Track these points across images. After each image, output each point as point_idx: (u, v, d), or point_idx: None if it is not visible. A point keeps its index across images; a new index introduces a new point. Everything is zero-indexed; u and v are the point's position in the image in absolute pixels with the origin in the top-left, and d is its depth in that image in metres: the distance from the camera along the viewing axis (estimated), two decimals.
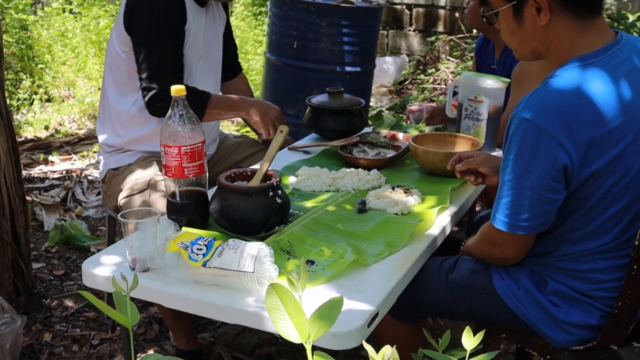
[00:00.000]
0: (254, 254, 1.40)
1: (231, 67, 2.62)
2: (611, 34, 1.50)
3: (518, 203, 1.45)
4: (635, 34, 5.36)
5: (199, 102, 2.20)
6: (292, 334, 0.82)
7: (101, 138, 2.36)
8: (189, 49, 2.27)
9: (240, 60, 2.75)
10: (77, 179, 4.13)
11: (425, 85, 6.21)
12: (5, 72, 4.81)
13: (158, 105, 2.18)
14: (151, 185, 2.15)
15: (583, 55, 1.45)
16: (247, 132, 4.97)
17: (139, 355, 2.40)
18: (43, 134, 5.01)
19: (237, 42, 2.76)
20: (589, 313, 1.52)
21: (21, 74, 5.80)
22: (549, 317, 1.55)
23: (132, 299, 0.93)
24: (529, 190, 1.42)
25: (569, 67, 1.44)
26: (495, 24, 1.58)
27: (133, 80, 2.24)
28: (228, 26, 2.56)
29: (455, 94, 2.47)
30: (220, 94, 2.55)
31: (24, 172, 4.10)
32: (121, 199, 2.19)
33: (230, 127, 5.08)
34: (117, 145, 2.32)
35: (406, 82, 6.48)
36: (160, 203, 2.06)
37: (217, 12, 2.43)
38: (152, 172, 2.20)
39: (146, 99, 2.19)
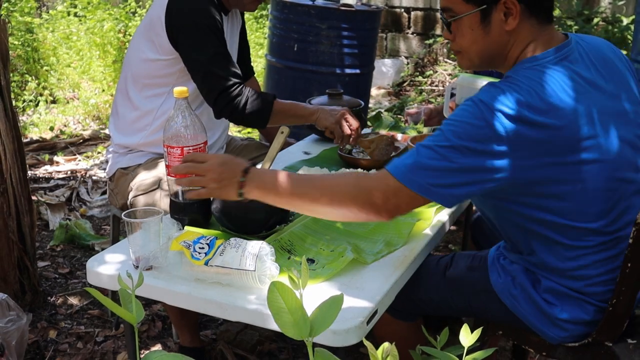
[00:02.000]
0: (255, 252, 1.40)
1: (245, 70, 2.58)
2: (561, 37, 1.50)
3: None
4: (629, 37, 5.37)
5: (263, 104, 2.19)
6: (293, 331, 0.82)
7: (114, 138, 2.35)
8: None
9: None
10: (82, 179, 4.13)
11: (423, 87, 6.21)
12: (11, 74, 4.81)
13: (224, 106, 2.15)
14: (160, 185, 2.15)
15: (533, 57, 1.44)
16: (249, 132, 4.98)
17: (142, 351, 2.40)
18: (48, 135, 5.01)
19: None
20: (583, 309, 1.52)
21: (27, 76, 5.80)
22: (544, 314, 1.55)
23: (136, 296, 0.93)
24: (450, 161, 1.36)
25: (520, 68, 1.43)
26: (452, 31, 1.53)
27: (163, 86, 2.21)
28: (243, 30, 2.55)
29: (452, 95, 2.47)
30: None
31: (29, 173, 4.10)
32: (131, 197, 2.19)
33: (233, 129, 5.08)
34: (130, 146, 2.31)
35: (405, 84, 6.48)
36: (166, 202, 2.06)
37: (236, 17, 2.41)
38: (160, 172, 2.20)
39: (211, 104, 2.17)
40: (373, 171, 2.06)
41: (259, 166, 1.81)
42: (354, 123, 2.24)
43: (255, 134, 4.86)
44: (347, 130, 2.22)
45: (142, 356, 0.90)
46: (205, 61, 2.13)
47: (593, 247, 1.47)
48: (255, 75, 2.69)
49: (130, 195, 2.19)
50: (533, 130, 1.34)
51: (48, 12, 6.50)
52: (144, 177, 2.21)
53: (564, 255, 1.48)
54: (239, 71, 2.21)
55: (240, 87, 2.17)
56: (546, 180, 1.39)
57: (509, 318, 1.62)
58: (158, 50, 2.18)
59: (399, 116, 5.24)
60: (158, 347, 2.48)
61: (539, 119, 1.34)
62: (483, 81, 2.28)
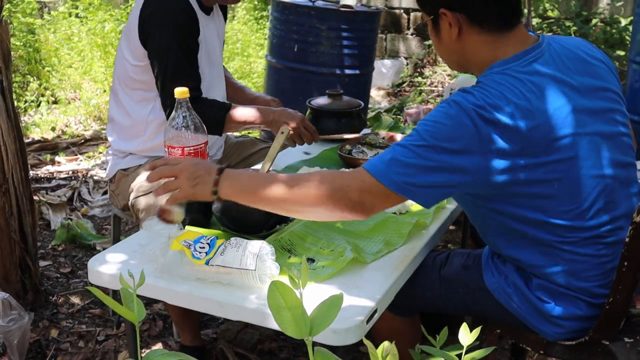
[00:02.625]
0: (255, 252, 1.40)
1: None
2: (532, 39, 1.50)
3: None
4: (627, 37, 5.37)
5: (217, 114, 2.17)
6: (293, 330, 0.82)
7: (113, 143, 2.35)
8: (201, 59, 2.24)
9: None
10: (83, 179, 4.14)
11: (422, 88, 6.21)
12: (13, 75, 4.81)
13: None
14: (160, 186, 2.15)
15: (502, 61, 1.45)
16: (248, 132, 4.97)
17: (143, 350, 2.40)
18: (50, 135, 5.01)
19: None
20: (575, 304, 1.52)
21: (28, 76, 5.80)
22: (538, 312, 1.55)
23: (137, 295, 0.93)
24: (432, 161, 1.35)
25: (490, 72, 1.44)
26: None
27: (147, 91, 2.21)
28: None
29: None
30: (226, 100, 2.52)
31: (31, 173, 4.10)
32: (132, 198, 2.19)
33: None
34: (129, 151, 2.30)
35: (404, 85, 6.48)
36: None
37: (218, 17, 2.40)
38: None
39: (165, 111, 2.16)
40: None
41: (258, 166, 1.81)
42: (310, 127, 2.22)
43: (255, 133, 4.86)
44: (305, 139, 2.22)
45: (143, 355, 0.90)
46: (163, 72, 2.11)
47: (574, 243, 1.47)
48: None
49: (132, 197, 2.19)
50: (505, 133, 1.34)
51: (50, 13, 6.50)
52: (144, 178, 2.21)
53: (546, 252, 1.49)
54: (197, 82, 2.16)
55: (197, 99, 2.11)
56: (522, 181, 1.39)
57: (505, 316, 1.62)
58: (134, 56, 2.19)
59: (398, 116, 5.25)
60: (159, 346, 2.48)
61: (510, 122, 1.34)
62: None
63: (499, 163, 1.36)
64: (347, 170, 1.49)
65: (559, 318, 1.53)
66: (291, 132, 1.81)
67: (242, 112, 2.22)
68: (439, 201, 1.47)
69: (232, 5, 6.48)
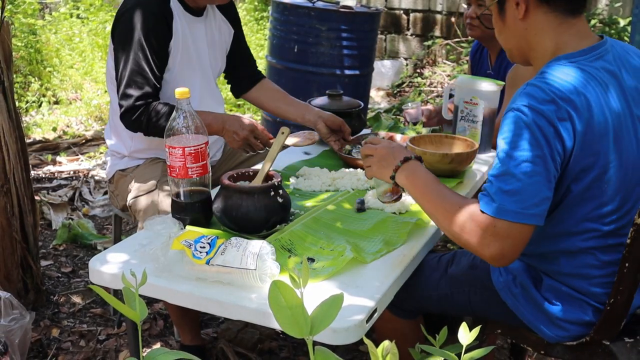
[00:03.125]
0: (256, 251, 1.40)
1: (250, 75, 2.49)
2: (595, 37, 1.51)
3: (524, 189, 1.34)
4: (626, 38, 5.36)
5: (163, 122, 2.05)
6: (294, 330, 0.82)
7: (109, 144, 2.35)
8: (181, 63, 2.19)
9: None
10: (84, 179, 4.13)
11: (422, 88, 6.21)
12: (15, 75, 4.81)
13: (129, 119, 2.08)
14: (159, 186, 2.15)
15: (569, 54, 1.46)
16: None
17: (144, 349, 2.40)
18: (51, 136, 5.01)
19: None
20: (583, 310, 1.52)
21: (30, 77, 5.80)
22: (544, 314, 1.54)
23: (138, 295, 0.92)
24: (530, 176, 1.34)
25: (557, 64, 1.44)
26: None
27: None
28: (238, 35, 2.46)
29: (451, 96, 2.47)
30: (224, 110, 2.46)
31: (32, 173, 4.10)
32: (130, 199, 2.18)
33: None
34: (125, 153, 2.30)
35: (404, 85, 6.48)
36: (166, 203, 2.06)
37: (215, 19, 2.33)
38: (159, 172, 2.20)
39: (120, 112, 2.10)
40: None
41: (259, 166, 1.81)
42: (264, 137, 2.15)
43: None
44: (256, 148, 2.15)
45: (144, 354, 0.90)
46: (120, 75, 2.09)
47: (600, 248, 1.48)
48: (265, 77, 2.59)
49: (130, 197, 2.19)
50: (572, 128, 1.36)
51: (51, 14, 6.50)
52: (142, 179, 2.21)
53: (570, 254, 1.49)
54: (150, 88, 2.09)
55: (144, 107, 2.07)
56: (589, 166, 1.40)
57: (508, 316, 1.62)
58: (112, 56, 2.18)
59: (398, 117, 5.24)
60: (160, 345, 2.48)
61: (574, 114, 1.36)
62: (481, 82, 2.28)
63: (577, 151, 1.38)
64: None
65: (565, 321, 1.53)
66: (283, 133, 1.79)
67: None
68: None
69: None
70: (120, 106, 2.09)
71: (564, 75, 1.39)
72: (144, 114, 2.07)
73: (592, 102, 1.38)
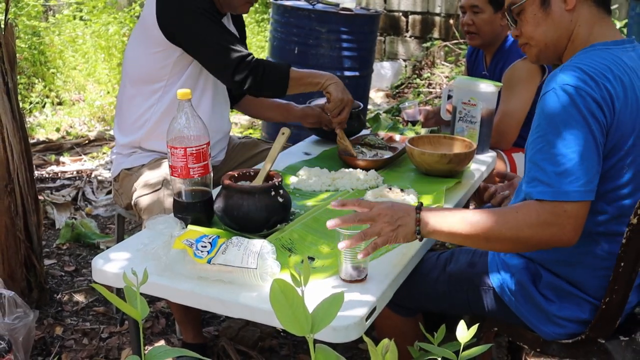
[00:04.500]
0: (256, 250, 1.40)
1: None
2: (619, 33, 1.57)
3: (578, 167, 1.33)
4: None
5: (281, 72, 2.18)
6: (295, 328, 0.82)
7: (120, 140, 2.34)
8: None
9: None
10: (87, 179, 4.13)
11: (421, 89, 6.21)
12: (18, 77, 4.81)
13: (243, 77, 2.13)
14: (164, 184, 2.15)
15: (603, 42, 1.50)
16: (251, 133, 4.98)
17: (146, 347, 2.40)
18: (54, 136, 5.01)
19: None
20: (580, 307, 1.52)
21: (33, 78, 5.80)
22: (541, 311, 1.55)
23: (140, 293, 0.93)
24: (581, 154, 1.33)
25: (592, 50, 1.49)
26: (517, 22, 1.60)
27: (155, 80, 2.20)
28: (243, 39, 2.51)
29: (449, 97, 2.47)
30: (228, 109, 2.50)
31: (36, 173, 4.10)
32: (135, 197, 2.19)
33: (234, 129, 5.08)
34: (135, 142, 2.29)
35: (403, 86, 6.48)
36: (170, 201, 2.06)
37: (230, 26, 2.37)
38: (164, 171, 2.20)
39: (230, 79, 2.15)
40: (371, 171, 2.06)
41: (259, 166, 1.81)
42: (343, 115, 2.27)
43: (255, 134, 4.86)
44: (335, 119, 2.28)
45: (146, 352, 0.90)
46: (214, 40, 2.12)
47: (606, 235, 1.48)
48: None
49: (135, 195, 2.19)
50: (614, 99, 1.38)
51: (54, 16, 6.50)
52: (147, 177, 2.20)
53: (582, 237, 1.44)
54: (245, 49, 2.19)
55: (255, 58, 2.16)
56: (618, 145, 1.41)
57: (505, 314, 1.62)
58: (150, 45, 2.18)
59: (397, 118, 5.24)
60: (162, 343, 2.48)
61: (612, 91, 1.38)
62: (480, 84, 2.29)
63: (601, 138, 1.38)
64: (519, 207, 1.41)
65: (562, 319, 1.53)
66: (283, 134, 1.81)
67: (300, 73, 2.26)
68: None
69: None
70: (230, 63, 2.12)
71: (599, 59, 1.43)
72: (259, 66, 2.14)
73: (626, 84, 1.41)
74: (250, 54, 2.16)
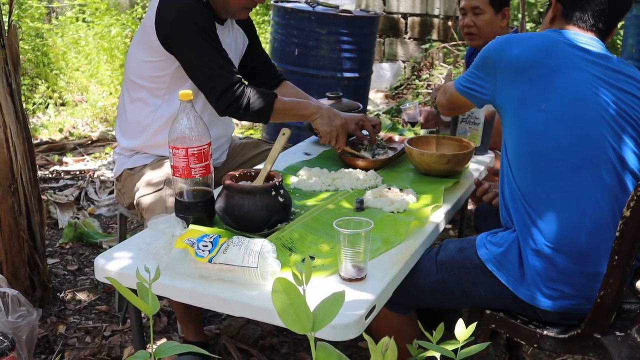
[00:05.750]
0: (257, 250, 1.40)
1: (269, 79, 2.54)
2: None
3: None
4: (618, 42, 5.36)
5: (265, 102, 2.17)
6: (296, 326, 0.82)
7: (120, 141, 2.34)
8: None
9: None
10: (90, 179, 4.13)
11: (419, 90, 6.21)
12: (22, 78, 4.82)
13: (227, 105, 2.13)
14: (166, 184, 2.15)
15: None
16: (251, 133, 4.98)
17: (148, 345, 2.40)
18: (57, 137, 5.01)
19: None
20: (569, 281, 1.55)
21: (37, 79, 5.80)
22: (531, 276, 1.56)
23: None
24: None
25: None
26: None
27: (156, 87, 2.20)
28: (253, 44, 2.49)
29: None
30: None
31: (39, 173, 4.11)
32: (138, 197, 2.19)
33: (235, 130, 5.08)
34: (137, 148, 2.29)
35: (402, 87, 6.48)
36: (172, 201, 2.06)
37: (232, 29, 2.36)
38: (166, 171, 2.20)
39: (214, 103, 2.15)
40: (371, 171, 2.07)
41: (260, 166, 1.81)
42: (339, 142, 2.21)
43: (256, 134, 4.86)
44: (334, 147, 2.23)
45: (154, 347, 0.91)
46: (205, 61, 2.11)
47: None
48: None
49: (137, 195, 2.19)
50: None
51: (57, 18, 6.50)
52: (150, 177, 2.21)
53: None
54: (236, 75, 2.17)
55: (243, 85, 2.15)
56: None
57: (498, 290, 1.62)
58: (150, 53, 2.17)
59: (396, 118, 5.24)
60: (163, 341, 2.48)
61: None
62: None
63: None
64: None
65: (552, 280, 1.54)
66: (283, 134, 1.81)
67: (289, 103, 2.25)
68: None
69: None
70: (215, 88, 2.12)
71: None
72: (244, 94, 2.13)
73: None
74: (237, 82, 2.14)
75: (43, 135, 4.99)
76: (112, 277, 1.52)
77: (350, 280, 1.43)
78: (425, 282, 1.72)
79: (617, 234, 1.43)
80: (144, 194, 2.16)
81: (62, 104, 5.72)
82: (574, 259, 1.53)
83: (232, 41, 2.37)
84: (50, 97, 5.71)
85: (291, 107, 2.26)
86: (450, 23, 6.47)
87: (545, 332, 1.61)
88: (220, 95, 2.12)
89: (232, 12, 2.25)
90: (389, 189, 1.94)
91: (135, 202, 2.20)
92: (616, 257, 1.44)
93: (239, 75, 2.17)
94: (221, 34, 2.25)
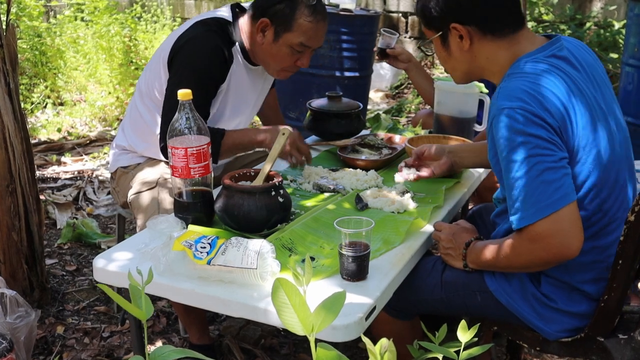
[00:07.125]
0: (256, 250, 1.40)
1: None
2: (541, 38, 1.55)
3: (534, 190, 1.36)
4: (620, 40, 5.36)
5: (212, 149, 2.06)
6: (297, 327, 0.82)
7: (121, 142, 2.33)
8: (225, 107, 2.20)
9: None
10: (88, 179, 4.13)
11: None
12: (20, 77, 4.80)
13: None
14: (160, 183, 2.14)
15: (528, 53, 1.49)
16: None
17: (148, 347, 2.39)
18: (56, 136, 5.00)
19: None
20: (577, 302, 1.52)
21: (35, 79, 5.79)
22: (542, 310, 1.54)
23: None
24: (534, 170, 1.35)
25: (519, 64, 1.48)
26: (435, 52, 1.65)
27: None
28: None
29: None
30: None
31: (37, 173, 4.10)
32: (131, 195, 2.18)
33: None
34: (142, 149, 2.27)
35: (402, 87, 6.48)
36: (168, 200, 2.06)
37: (263, 72, 2.30)
38: (160, 170, 2.19)
39: (160, 137, 2.10)
40: (371, 171, 2.06)
41: (260, 166, 1.81)
42: (303, 148, 2.14)
43: None
44: (296, 159, 2.14)
45: (150, 352, 0.90)
46: (168, 102, 2.05)
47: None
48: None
49: (130, 193, 2.19)
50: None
51: (55, 17, 6.49)
52: (144, 176, 2.20)
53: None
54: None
55: None
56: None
57: (505, 316, 1.61)
58: (159, 84, 2.15)
59: (396, 118, 5.24)
60: (163, 342, 2.48)
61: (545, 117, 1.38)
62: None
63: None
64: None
65: (562, 312, 1.53)
66: (283, 134, 1.80)
67: (237, 137, 2.14)
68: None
69: None
70: (161, 131, 2.07)
71: (530, 70, 1.44)
72: None
73: (555, 92, 1.40)
74: None
75: (41, 135, 4.99)
76: (111, 278, 1.52)
77: (350, 280, 1.43)
78: (428, 297, 1.70)
79: (622, 238, 1.43)
80: (136, 192, 2.15)
81: (61, 104, 5.72)
82: None
83: (262, 81, 2.34)
84: (49, 97, 5.70)
85: (244, 137, 2.13)
86: None
87: None
88: (163, 147, 2.04)
89: (271, 70, 2.21)
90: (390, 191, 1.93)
91: (128, 201, 2.19)
92: (620, 261, 1.44)
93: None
94: (247, 74, 2.22)
